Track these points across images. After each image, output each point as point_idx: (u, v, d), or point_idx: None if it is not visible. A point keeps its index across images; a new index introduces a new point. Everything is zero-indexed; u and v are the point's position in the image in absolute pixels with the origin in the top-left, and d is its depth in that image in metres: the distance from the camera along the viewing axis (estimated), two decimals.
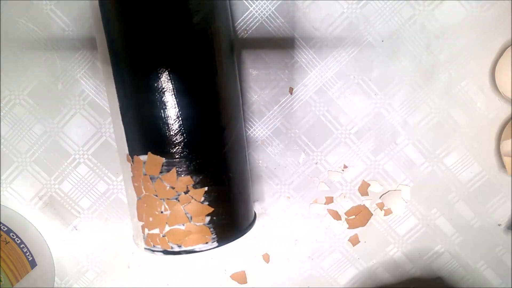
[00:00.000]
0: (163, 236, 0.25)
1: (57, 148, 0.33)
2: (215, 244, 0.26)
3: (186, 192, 0.25)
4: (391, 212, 0.34)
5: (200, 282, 0.36)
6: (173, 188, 0.24)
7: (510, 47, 0.30)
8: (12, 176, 0.34)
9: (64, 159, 0.34)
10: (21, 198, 0.34)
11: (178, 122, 0.24)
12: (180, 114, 0.24)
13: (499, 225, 0.34)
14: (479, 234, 0.35)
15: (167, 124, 0.24)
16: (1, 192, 0.34)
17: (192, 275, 0.36)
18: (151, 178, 0.25)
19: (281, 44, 0.31)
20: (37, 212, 0.34)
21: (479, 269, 0.35)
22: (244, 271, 0.36)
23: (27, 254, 0.33)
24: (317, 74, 0.32)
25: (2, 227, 0.33)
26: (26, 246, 0.33)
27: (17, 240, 0.33)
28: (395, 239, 0.35)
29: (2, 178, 0.34)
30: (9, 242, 0.32)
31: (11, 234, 0.33)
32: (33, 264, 0.33)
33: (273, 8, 0.31)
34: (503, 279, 0.35)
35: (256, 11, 0.31)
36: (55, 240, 0.35)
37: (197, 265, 0.36)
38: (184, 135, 0.24)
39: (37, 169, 0.34)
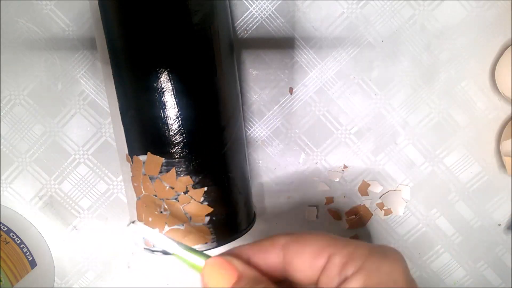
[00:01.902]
0: None
1: (57, 148, 0.33)
2: (215, 244, 0.26)
3: (185, 192, 0.25)
4: (391, 212, 0.34)
5: (200, 282, 0.36)
6: (172, 188, 0.24)
7: (510, 47, 0.30)
8: (12, 176, 0.34)
9: (64, 159, 0.34)
10: (21, 198, 0.34)
11: (177, 122, 0.24)
12: (179, 114, 0.24)
13: (499, 225, 0.34)
14: (479, 234, 0.35)
15: (167, 124, 0.24)
16: (1, 192, 0.34)
17: (192, 275, 0.36)
18: (150, 178, 0.25)
19: (281, 44, 0.31)
20: (37, 212, 0.34)
21: (479, 269, 0.35)
22: None
23: (27, 254, 0.33)
24: (317, 74, 0.32)
25: (2, 227, 0.33)
26: (26, 246, 0.33)
27: (17, 240, 0.33)
28: (395, 239, 0.35)
29: (2, 178, 0.34)
30: (9, 242, 0.32)
31: (11, 234, 0.33)
32: (33, 264, 0.33)
33: (273, 8, 0.31)
34: (503, 279, 0.35)
35: (256, 11, 0.31)
36: (55, 240, 0.35)
37: None
38: (184, 135, 0.24)
39: (37, 169, 0.34)
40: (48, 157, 0.33)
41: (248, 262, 0.19)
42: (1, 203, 0.34)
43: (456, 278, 0.36)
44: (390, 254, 0.19)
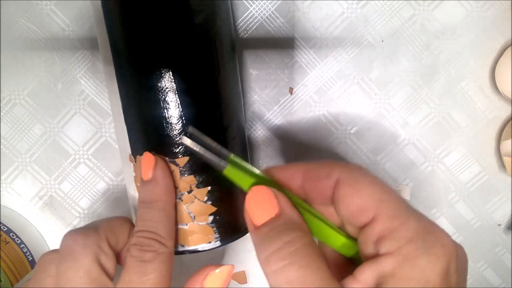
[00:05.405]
0: None
1: (57, 148, 0.33)
2: (218, 243, 0.26)
3: (189, 192, 0.25)
4: None
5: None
6: (176, 187, 0.24)
7: (510, 47, 0.30)
8: (12, 176, 0.34)
9: (64, 159, 0.34)
10: (21, 198, 0.34)
11: (180, 122, 0.24)
12: (182, 114, 0.24)
13: (499, 225, 0.34)
14: (479, 234, 0.35)
15: (170, 124, 0.24)
16: (1, 192, 0.34)
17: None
18: None
19: (281, 44, 0.31)
20: (37, 212, 0.34)
21: (479, 269, 0.35)
22: (244, 271, 0.36)
23: (27, 254, 0.33)
24: (317, 74, 0.32)
25: (2, 227, 0.33)
26: (26, 246, 0.33)
27: (17, 240, 0.33)
28: None
29: (2, 178, 0.34)
30: (9, 242, 0.32)
31: (11, 234, 0.33)
32: (33, 264, 0.33)
33: (273, 8, 0.31)
34: (503, 279, 0.35)
35: (256, 11, 0.31)
36: (55, 240, 0.35)
37: (197, 265, 0.36)
38: (187, 134, 0.24)
39: (37, 169, 0.34)
40: (48, 157, 0.33)
41: (300, 185, 0.19)
42: (1, 203, 0.34)
43: None
44: (437, 246, 0.16)
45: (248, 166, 0.21)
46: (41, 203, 0.34)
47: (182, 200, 0.25)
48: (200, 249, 0.25)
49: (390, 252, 0.16)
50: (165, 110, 0.24)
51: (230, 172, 0.21)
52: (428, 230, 0.17)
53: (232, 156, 0.22)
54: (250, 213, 0.19)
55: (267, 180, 0.21)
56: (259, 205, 0.19)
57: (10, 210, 0.34)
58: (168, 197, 0.22)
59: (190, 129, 0.22)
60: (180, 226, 0.25)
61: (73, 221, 0.35)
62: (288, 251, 0.17)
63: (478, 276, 0.35)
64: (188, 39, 0.23)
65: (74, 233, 0.21)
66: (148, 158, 0.22)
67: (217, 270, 0.22)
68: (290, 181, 0.20)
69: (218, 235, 0.25)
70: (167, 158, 0.24)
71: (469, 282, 0.36)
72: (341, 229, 0.20)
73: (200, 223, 0.25)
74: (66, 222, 0.35)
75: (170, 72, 0.23)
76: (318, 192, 0.19)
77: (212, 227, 0.25)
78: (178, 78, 0.23)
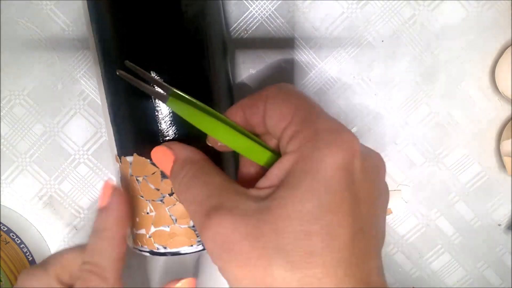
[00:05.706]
0: (149, 237, 0.25)
1: (57, 148, 0.33)
2: (201, 247, 0.25)
3: (170, 194, 0.24)
4: (391, 212, 0.34)
5: (200, 282, 0.36)
6: (158, 189, 0.24)
7: (510, 47, 0.30)
8: (12, 176, 0.34)
9: (64, 159, 0.34)
10: (21, 198, 0.34)
11: (165, 123, 0.24)
12: (167, 115, 0.24)
13: (499, 225, 0.34)
14: (479, 234, 0.35)
15: (154, 125, 0.24)
16: (1, 192, 0.34)
17: (192, 275, 0.36)
18: (137, 179, 0.25)
19: (281, 44, 0.31)
20: (37, 212, 0.34)
21: (479, 269, 0.35)
22: None
23: (27, 254, 0.33)
24: (317, 74, 0.32)
25: (2, 227, 0.33)
26: (26, 246, 0.33)
27: (17, 240, 0.33)
28: (395, 239, 0.35)
29: (2, 178, 0.34)
30: (9, 242, 0.32)
31: (11, 234, 0.33)
32: (33, 264, 0.33)
33: (273, 8, 0.31)
34: (503, 279, 0.35)
35: (256, 11, 0.31)
36: (55, 240, 0.35)
37: (197, 265, 0.36)
38: (169, 136, 0.24)
39: (37, 169, 0.34)
40: (48, 157, 0.33)
41: (244, 117, 0.21)
42: (1, 203, 0.34)
43: (456, 278, 0.36)
44: (336, 143, 0.17)
45: (191, 99, 0.22)
46: (41, 203, 0.34)
47: (163, 202, 0.24)
48: (182, 252, 0.25)
49: (293, 150, 0.18)
50: (150, 112, 0.23)
51: (173, 103, 0.22)
52: (333, 130, 0.18)
53: (174, 90, 0.22)
54: (161, 168, 0.23)
55: (210, 111, 0.22)
56: (162, 159, 0.22)
57: (10, 210, 0.34)
58: (118, 227, 0.23)
59: (128, 63, 0.22)
60: (161, 228, 0.25)
61: (73, 221, 0.35)
62: (183, 182, 0.20)
63: (478, 276, 0.35)
64: (175, 39, 0.23)
65: (25, 275, 0.23)
66: (107, 185, 0.23)
67: (179, 284, 0.25)
68: (233, 117, 0.22)
69: (200, 239, 0.25)
70: (149, 160, 0.24)
71: (469, 282, 0.36)
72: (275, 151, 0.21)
73: (182, 226, 0.25)
74: (66, 222, 0.35)
75: (156, 73, 0.23)
76: (256, 117, 0.20)
77: (194, 230, 0.25)
78: (164, 78, 0.23)
